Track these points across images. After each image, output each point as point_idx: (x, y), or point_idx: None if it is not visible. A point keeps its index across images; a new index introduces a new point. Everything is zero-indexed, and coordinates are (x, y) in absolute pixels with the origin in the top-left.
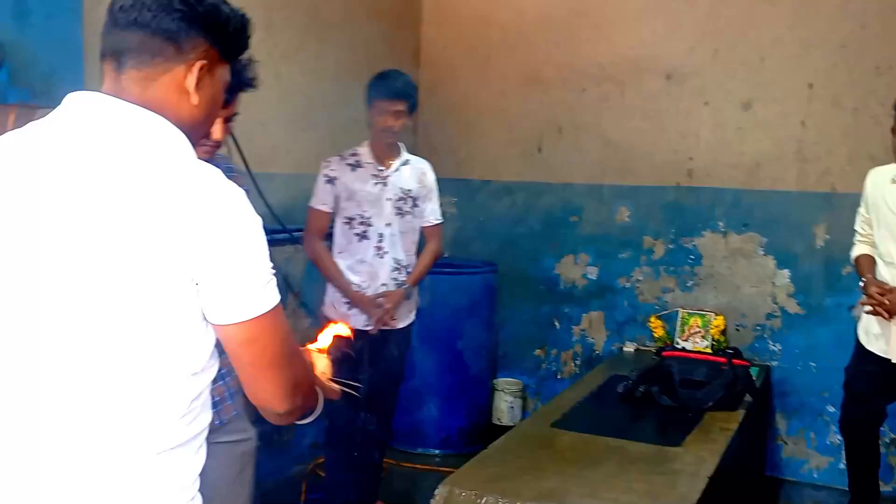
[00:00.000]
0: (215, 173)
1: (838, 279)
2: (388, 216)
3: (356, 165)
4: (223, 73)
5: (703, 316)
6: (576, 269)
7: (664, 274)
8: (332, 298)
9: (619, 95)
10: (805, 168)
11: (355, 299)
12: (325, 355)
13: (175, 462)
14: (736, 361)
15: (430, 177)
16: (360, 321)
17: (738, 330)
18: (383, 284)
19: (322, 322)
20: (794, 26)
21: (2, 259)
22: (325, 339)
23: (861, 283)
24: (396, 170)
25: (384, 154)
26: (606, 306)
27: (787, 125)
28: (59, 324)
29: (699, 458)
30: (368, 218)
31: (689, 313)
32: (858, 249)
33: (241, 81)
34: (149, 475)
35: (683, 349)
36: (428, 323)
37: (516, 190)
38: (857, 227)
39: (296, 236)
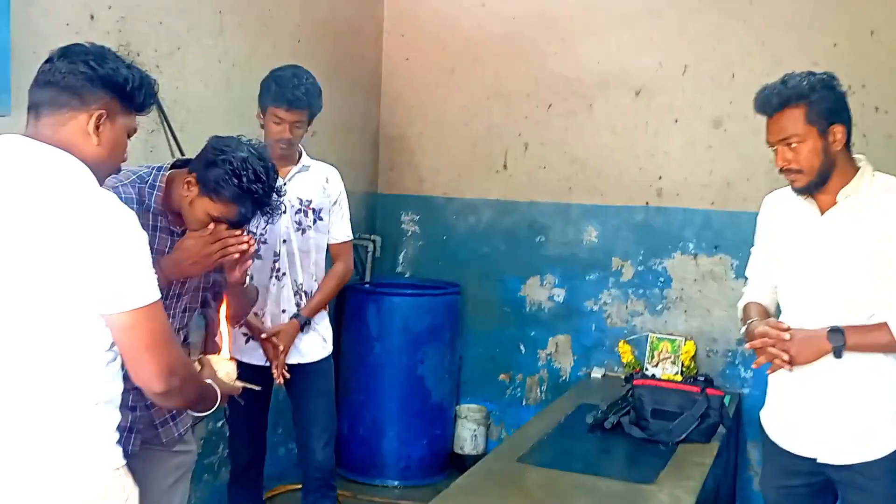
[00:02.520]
0: (109, 198)
1: None
2: (285, 232)
3: None
4: (126, 122)
5: (672, 341)
6: (542, 291)
7: (633, 297)
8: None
9: (586, 111)
10: (776, 188)
11: (253, 333)
12: (231, 360)
13: (103, 414)
14: (710, 391)
15: (337, 185)
16: (258, 356)
17: (708, 356)
18: (283, 311)
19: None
20: (765, 42)
21: None
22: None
23: (742, 331)
24: (292, 178)
25: (279, 160)
26: (573, 329)
27: (757, 144)
28: (9, 314)
29: (675, 497)
30: (261, 234)
31: (658, 338)
32: (748, 297)
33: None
34: (85, 420)
35: (653, 376)
36: (387, 347)
37: (481, 208)
38: (748, 273)
39: None
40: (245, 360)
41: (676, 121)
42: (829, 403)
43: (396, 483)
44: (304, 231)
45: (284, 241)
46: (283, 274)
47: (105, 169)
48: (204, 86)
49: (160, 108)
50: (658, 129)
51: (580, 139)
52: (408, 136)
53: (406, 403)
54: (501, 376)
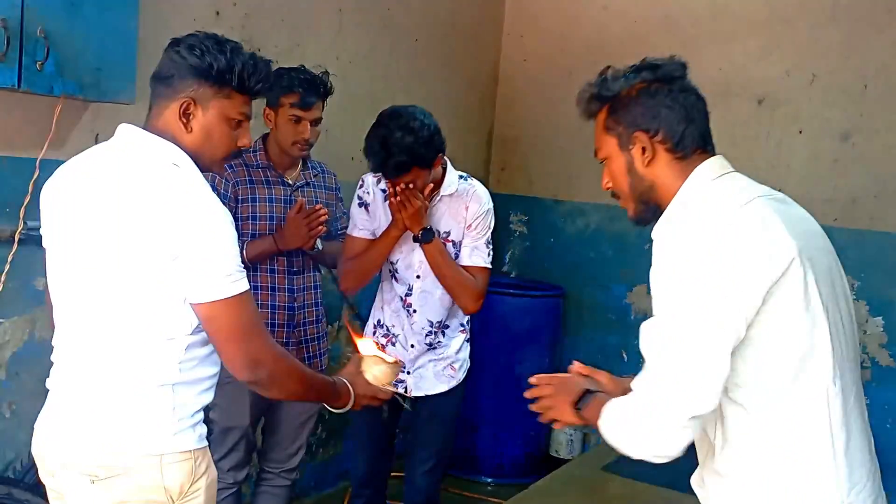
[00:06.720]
0: (202, 192)
1: None
2: (418, 267)
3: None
4: (221, 107)
5: None
6: (649, 300)
7: None
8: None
9: None
10: None
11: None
12: (383, 362)
13: (174, 395)
14: None
15: (479, 206)
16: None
17: None
18: (412, 346)
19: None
20: None
21: (62, 240)
22: (372, 347)
23: None
24: (434, 206)
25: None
26: None
27: (889, 160)
28: (95, 292)
29: None
30: (394, 263)
31: None
32: None
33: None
34: (151, 401)
35: None
36: (485, 344)
37: (590, 212)
38: None
39: None
40: None
41: (801, 132)
42: None
43: (490, 480)
44: None
45: (419, 276)
46: (414, 311)
47: (206, 155)
48: None
49: None
50: (781, 140)
51: None
52: (521, 137)
53: (501, 402)
54: None
